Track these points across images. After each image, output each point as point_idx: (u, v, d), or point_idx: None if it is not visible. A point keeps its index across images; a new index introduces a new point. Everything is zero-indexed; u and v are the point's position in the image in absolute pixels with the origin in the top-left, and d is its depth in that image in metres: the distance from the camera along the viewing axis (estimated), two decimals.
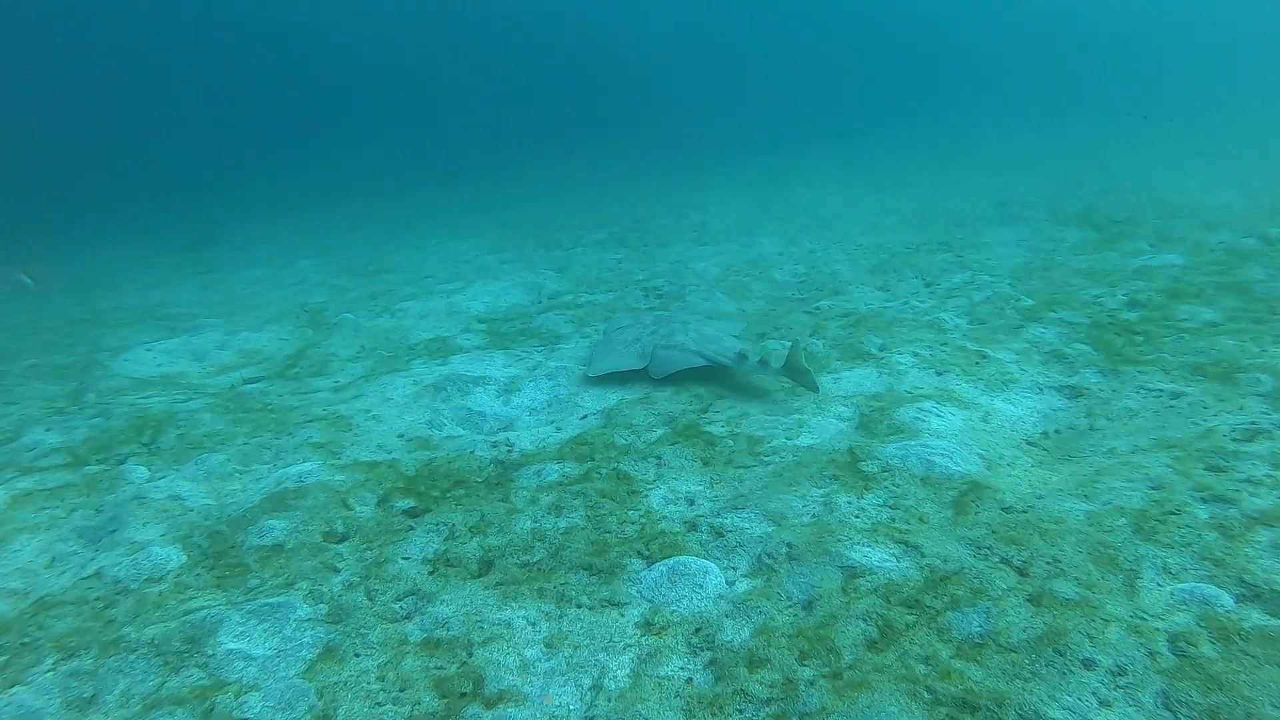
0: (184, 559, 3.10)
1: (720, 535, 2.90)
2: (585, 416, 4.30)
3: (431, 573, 2.88)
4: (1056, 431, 3.66)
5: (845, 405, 3.96)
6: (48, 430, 4.66)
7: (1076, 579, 2.43)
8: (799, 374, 4.08)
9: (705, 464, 3.53)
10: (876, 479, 3.16)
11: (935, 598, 2.41)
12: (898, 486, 3.09)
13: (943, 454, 3.25)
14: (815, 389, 4.07)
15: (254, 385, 5.37)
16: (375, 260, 10.26)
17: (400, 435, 4.21)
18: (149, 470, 3.93)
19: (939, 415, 3.64)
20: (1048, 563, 2.53)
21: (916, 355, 4.46)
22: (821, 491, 3.12)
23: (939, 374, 4.17)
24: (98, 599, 2.91)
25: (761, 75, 53.61)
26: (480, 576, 2.85)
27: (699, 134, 33.14)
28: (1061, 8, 51.96)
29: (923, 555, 2.64)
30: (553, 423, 4.30)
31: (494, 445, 3.93)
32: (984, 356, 4.37)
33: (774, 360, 4.34)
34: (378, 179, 27.67)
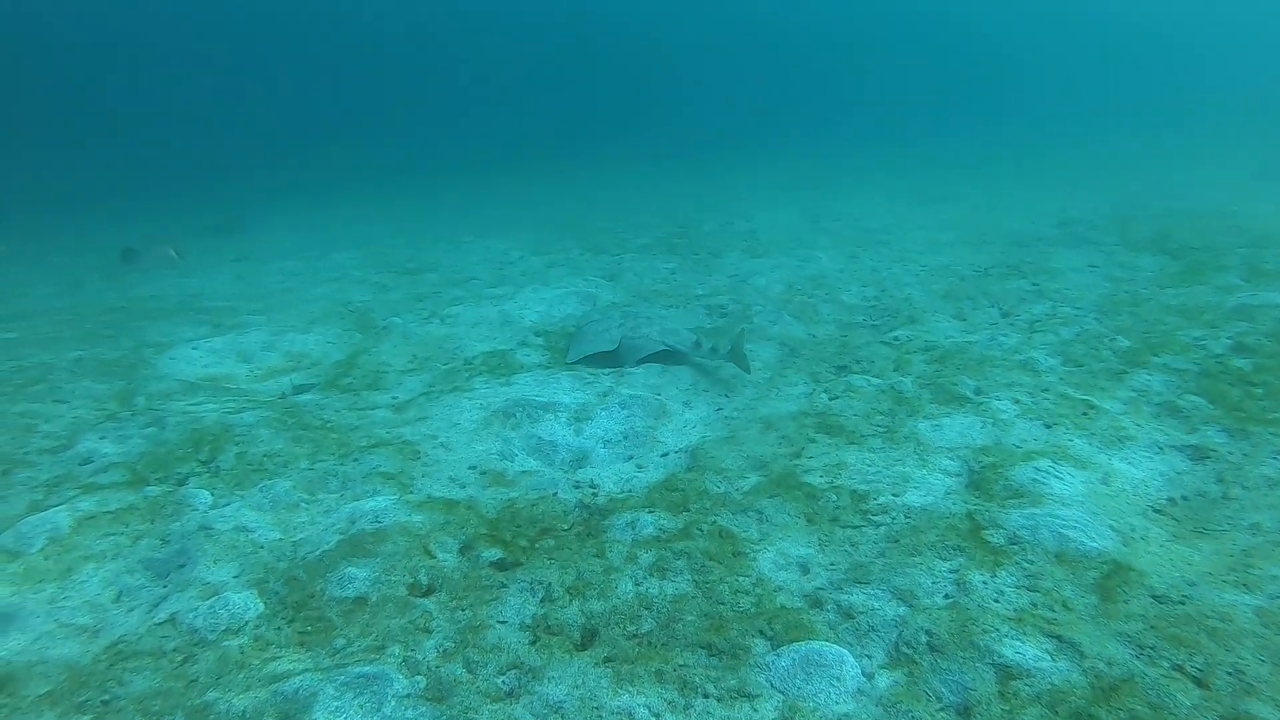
0: (261, 608, 2.89)
1: (849, 616, 2.68)
2: (667, 455, 4.08)
3: (533, 642, 2.66)
4: (1184, 498, 3.41)
5: (951, 459, 3.72)
6: (102, 438, 4.48)
7: (1273, 700, 2.19)
8: (739, 359, 4.97)
9: (810, 521, 3.30)
10: (1006, 553, 2.92)
11: (1110, 712, 2.18)
12: (1031, 563, 2.86)
13: (1074, 526, 3.01)
14: (748, 371, 4.98)
15: (306, 396, 5.17)
16: (413, 257, 10.04)
17: (472, 467, 4.00)
18: (212, 495, 3.73)
19: (1059, 477, 3.40)
20: (1229, 673, 2.29)
21: (1017, 402, 4.21)
22: (949, 565, 2.88)
23: (1048, 426, 3.93)
24: (175, 650, 2.71)
25: (796, 78, 53.03)
26: (585, 649, 2.64)
27: (729, 133, 32.82)
28: (1103, 10, 51.11)
29: (1081, 655, 2.40)
30: (632, 459, 4.08)
31: (576, 487, 3.72)
32: (1091, 407, 4.12)
33: (721, 348, 5.07)
34: (401, 168, 27.49)
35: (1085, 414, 4.04)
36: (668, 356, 5.32)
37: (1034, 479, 3.38)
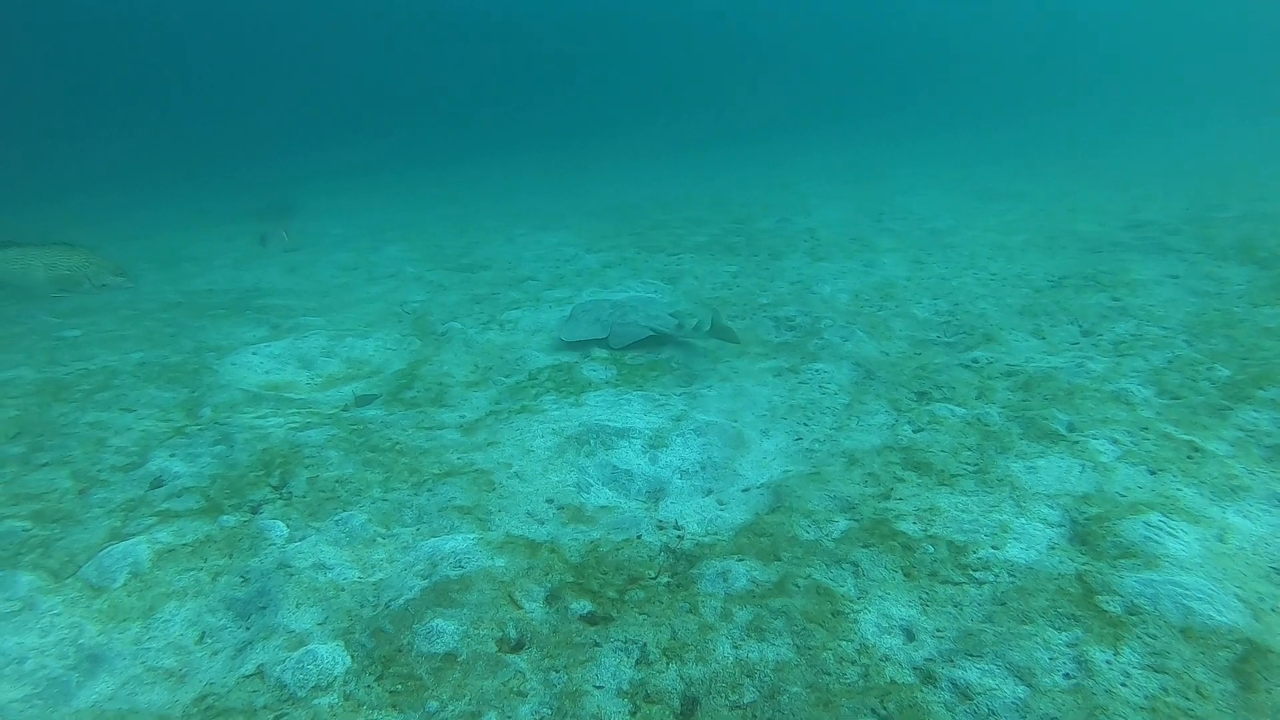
0: (349, 662, 2.83)
1: (966, 696, 2.54)
2: (748, 490, 3.96)
3: (633, 713, 2.57)
4: None
5: (1050, 507, 3.54)
6: (172, 455, 4.47)
7: None
8: (724, 333, 5.40)
9: (908, 577, 3.16)
10: (1126, 626, 2.76)
11: None
12: (1155, 639, 2.70)
13: (1198, 596, 2.84)
14: (737, 342, 5.50)
15: (371, 410, 5.11)
16: (466, 250, 9.97)
17: (549, 500, 3.91)
18: (287, 527, 3.68)
19: (1173, 535, 3.21)
20: None
21: (1115, 442, 4.01)
22: (1065, 638, 2.73)
23: (1152, 472, 3.73)
24: (266, 709, 2.65)
25: (850, 64, 52.05)
26: (687, 719, 2.54)
27: (784, 118, 32.36)
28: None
29: None
30: (711, 493, 3.96)
31: (660, 528, 3.61)
32: (1196, 449, 3.91)
33: (702, 325, 5.51)
34: (446, 149, 27.47)
35: (1190, 457, 3.84)
36: (656, 339, 5.90)
37: (1145, 536, 3.21)
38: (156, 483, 4.22)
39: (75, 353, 6.52)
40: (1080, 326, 5.85)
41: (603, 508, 3.84)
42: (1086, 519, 3.39)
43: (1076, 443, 4.04)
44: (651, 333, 5.80)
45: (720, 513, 3.76)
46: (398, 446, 4.46)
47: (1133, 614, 2.81)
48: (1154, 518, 3.32)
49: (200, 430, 4.79)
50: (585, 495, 3.96)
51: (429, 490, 3.96)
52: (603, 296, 6.89)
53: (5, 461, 4.50)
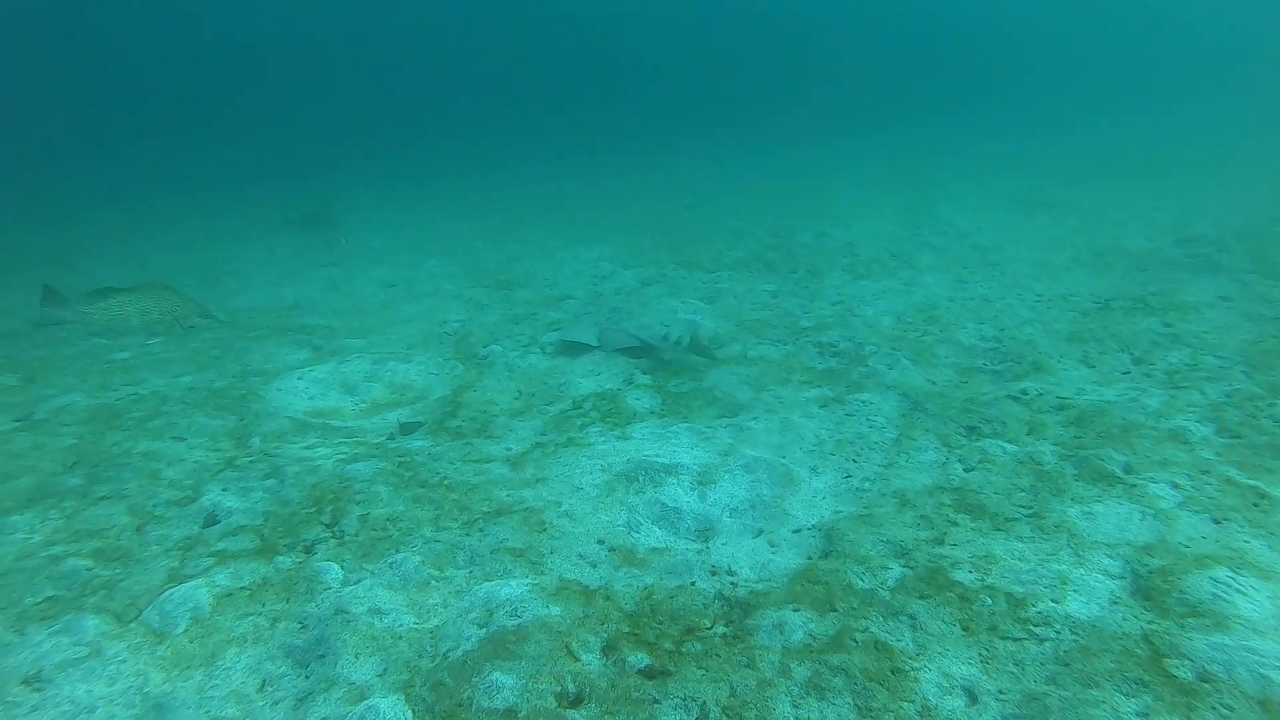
0: (411, 718, 2.84)
1: None
2: (799, 531, 3.93)
3: None
4: None
5: (1110, 557, 3.48)
6: (225, 490, 4.53)
7: None
8: (701, 350, 6.02)
9: (967, 631, 3.12)
10: (1199, 695, 2.70)
11: None
12: (1232, 710, 2.63)
13: (1275, 664, 2.77)
14: (713, 359, 6.02)
15: (416, 440, 5.14)
16: (504, 266, 10.02)
17: (600, 541, 3.90)
18: (341, 570, 3.71)
19: (1243, 593, 3.14)
20: None
21: (1176, 486, 3.93)
22: (1135, 706, 2.68)
23: (1217, 521, 3.65)
24: None
25: (884, 72, 51.59)
26: None
27: (819, 125, 32.17)
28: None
29: None
30: (762, 533, 3.94)
31: (713, 574, 3.59)
32: (1262, 496, 3.82)
33: (683, 341, 6.03)
34: (480, 156, 27.63)
35: (1257, 505, 3.75)
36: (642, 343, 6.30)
37: (1214, 593, 3.14)
38: (211, 519, 4.27)
39: (126, 376, 6.63)
40: (1131, 354, 5.74)
41: (654, 549, 3.83)
42: (1149, 572, 3.33)
43: (1134, 486, 3.96)
44: (639, 342, 6.25)
45: (772, 556, 3.74)
46: (446, 482, 4.49)
47: (1205, 681, 2.75)
48: (1221, 573, 3.25)
49: (251, 462, 4.85)
50: (636, 535, 3.96)
51: (480, 530, 3.97)
52: (600, 312, 7.44)
53: (66, 494, 4.58)
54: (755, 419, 5.05)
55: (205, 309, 5.71)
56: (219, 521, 4.24)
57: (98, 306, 5.18)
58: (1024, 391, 5.21)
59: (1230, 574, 3.25)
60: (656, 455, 4.57)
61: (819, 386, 5.54)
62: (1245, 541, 3.49)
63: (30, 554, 3.98)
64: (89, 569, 3.83)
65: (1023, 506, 3.92)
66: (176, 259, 12.79)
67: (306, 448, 5.10)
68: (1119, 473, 4.11)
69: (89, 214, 20.26)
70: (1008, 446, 4.49)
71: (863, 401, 5.21)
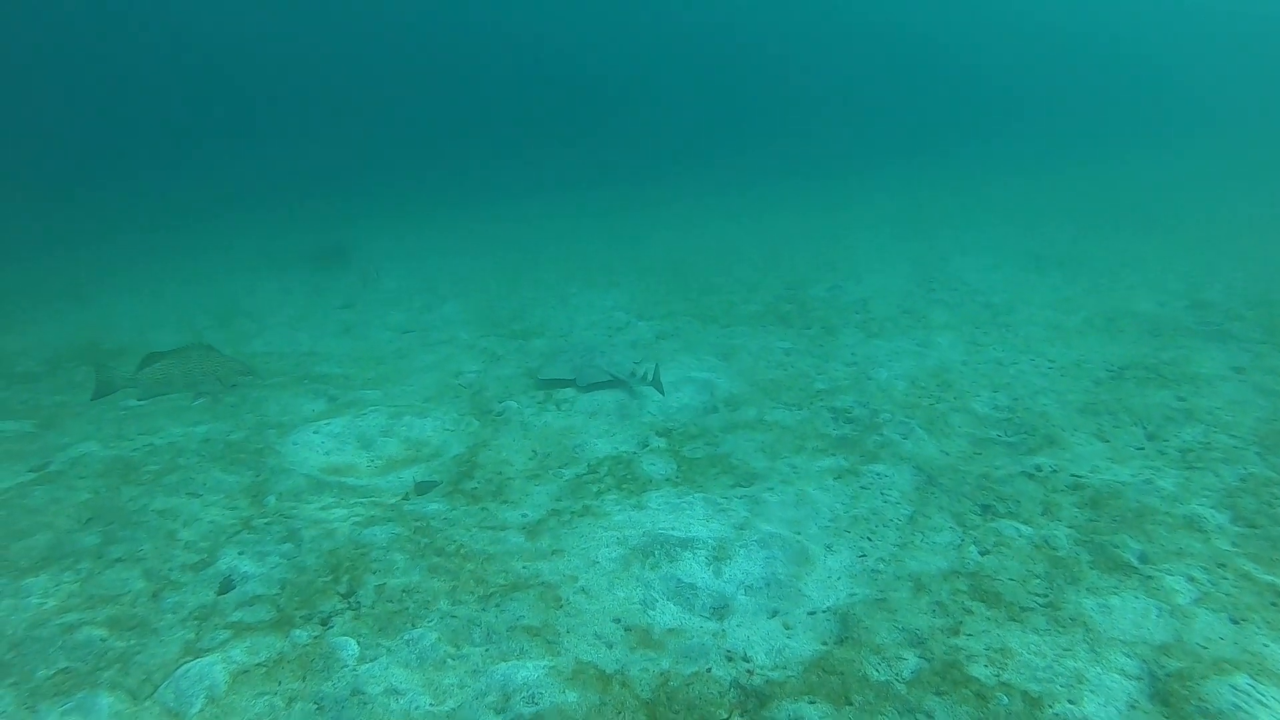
0: None
1: None
2: (814, 614, 3.92)
3: None
4: None
5: (1128, 656, 3.47)
6: (241, 553, 4.55)
7: None
8: (658, 385, 6.57)
9: None
10: None
11: None
12: None
13: None
14: (663, 393, 6.71)
15: (432, 503, 5.16)
16: (519, 313, 10.09)
17: (616, 620, 3.91)
18: (358, 645, 3.72)
19: (1264, 704, 3.12)
20: None
21: (1192, 580, 3.93)
22: None
23: (1235, 622, 3.64)
24: None
25: (896, 106, 52.09)
26: None
27: (832, 160, 32.45)
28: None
29: None
30: (777, 614, 3.93)
31: (729, 659, 3.59)
32: None
33: (646, 378, 6.68)
34: (497, 188, 27.90)
35: (1275, 605, 3.73)
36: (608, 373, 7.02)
37: (1234, 703, 3.12)
38: (226, 584, 4.29)
39: (141, 424, 6.69)
40: (1145, 429, 5.75)
41: (670, 630, 3.83)
42: (1167, 675, 3.31)
43: (1150, 578, 3.95)
44: (610, 378, 6.93)
45: (788, 641, 3.73)
46: (463, 551, 4.50)
47: None
48: (1241, 680, 3.23)
49: (267, 524, 4.88)
50: (651, 614, 3.96)
51: (497, 606, 3.98)
52: (574, 350, 7.86)
53: (81, 555, 4.61)
54: (770, 489, 5.07)
55: (246, 366, 5.80)
56: (235, 587, 4.26)
57: (145, 373, 5.30)
58: (1038, 467, 5.22)
59: (1250, 682, 3.23)
60: (672, 528, 4.58)
61: (833, 455, 5.55)
62: (1264, 645, 3.48)
63: (44, 621, 3.99)
64: (103, 639, 3.84)
65: (1038, 595, 3.92)
66: (191, 294, 12.92)
67: (323, 508, 5.12)
68: (1134, 562, 4.11)
69: (107, 237, 20.52)
70: (1023, 528, 4.49)
71: (877, 474, 5.23)
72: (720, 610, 3.99)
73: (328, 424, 6.46)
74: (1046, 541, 4.35)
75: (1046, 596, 3.89)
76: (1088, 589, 3.92)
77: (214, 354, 5.79)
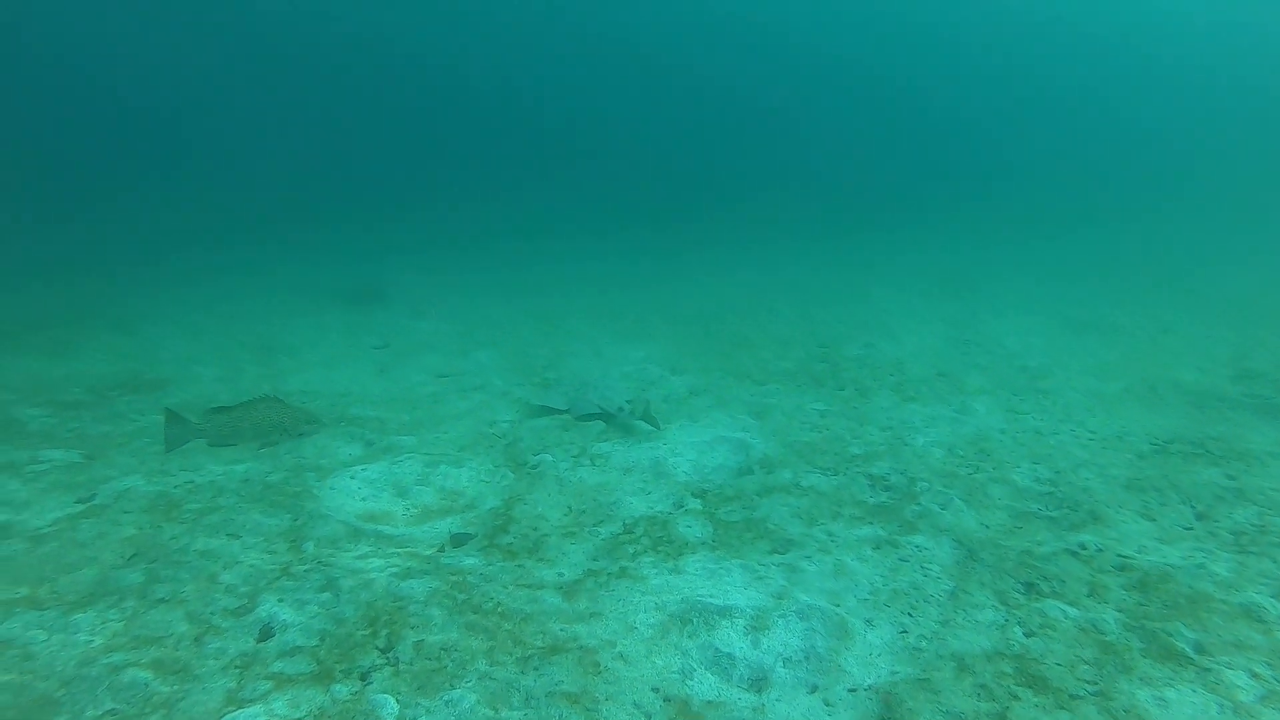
0: None
1: None
2: (855, 691, 3.86)
3: None
4: None
5: None
6: (280, 600, 4.57)
7: None
8: (650, 420, 7.14)
9: None
10: None
11: None
12: None
13: None
14: (657, 427, 7.18)
15: (469, 557, 5.17)
16: (553, 362, 10.16)
17: (655, 689, 3.87)
18: (398, 704, 3.71)
19: None
20: None
21: (1255, 676, 3.83)
22: None
23: None
24: None
25: (923, 160, 52.45)
26: None
27: (859, 210, 32.66)
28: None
29: None
30: (816, 690, 3.88)
31: None
32: None
33: (636, 411, 7.23)
34: (531, 230, 28.28)
35: None
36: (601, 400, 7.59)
37: None
38: (266, 632, 4.31)
39: (183, 460, 6.78)
40: (1193, 508, 5.65)
41: (709, 702, 3.79)
42: None
43: (1208, 671, 3.86)
44: (600, 410, 7.40)
45: (826, 716, 3.67)
46: (500, 609, 4.49)
47: None
48: None
49: (306, 571, 4.91)
50: (690, 683, 3.92)
51: (535, 669, 3.96)
52: (569, 386, 8.46)
53: (126, 593, 4.66)
54: (808, 558, 5.03)
55: (312, 415, 5.93)
56: (274, 635, 4.27)
57: (215, 424, 5.43)
58: (1083, 545, 5.14)
59: None
60: (710, 595, 4.55)
61: (871, 524, 5.51)
62: None
63: (92, 660, 4.03)
64: (148, 682, 3.86)
65: (1088, 682, 3.84)
66: (230, 328, 13.13)
67: (359, 558, 5.15)
68: (1190, 652, 4.02)
69: (150, 260, 20.98)
70: (1069, 610, 4.41)
71: (916, 546, 5.17)
72: (759, 682, 3.94)
73: (364, 469, 6.51)
74: (1094, 625, 4.27)
75: (1097, 684, 3.81)
76: (1141, 679, 3.83)
77: (281, 405, 5.92)
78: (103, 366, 10.32)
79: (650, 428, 7.12)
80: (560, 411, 7.70)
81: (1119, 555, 5.01)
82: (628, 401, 7.49)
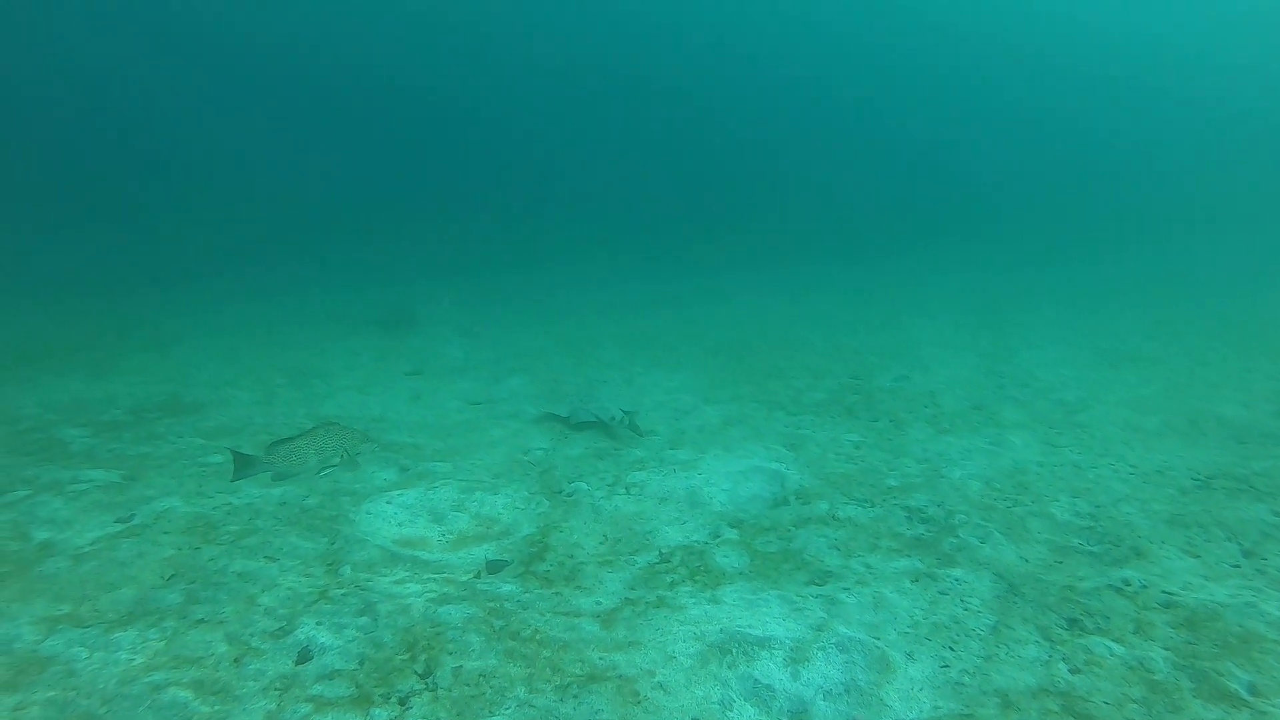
0: None
1: None
2: None
3: None
4: None
5: None
6: (319, 624, 4.59)
7: None
8: (635, 429, 8.02)
9: None
10: None
11: None
12: None
13: None
14: (641, 435, 8.04)
15: (506, 584, 5.17)
16: (584, 391, 10.18)
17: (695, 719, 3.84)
18: None
19: None
20: None
21: None
22: None
23: None
24: None
25: (953, 184, 52.48)
26: None
27: (887, 236, 32.68)
28: None
29: None
30: None
31: None
32: None
33: (626, 422, 8.06)
34: (557, 253, 28.52)
35: None
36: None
37: None
38: (304, 655, 4.32)
39: (221, 483, 6.86)
40: (1240, 546, 5.54)
41: None
42: None
43: (1265, 714, 3.77)
44: (596, 419, 8.19)
45: None
46: (538, 636, 4.48)
47: None
48: None
49: (344, 595, 4.93)
50: (730, 715, 3.89)
51: (574, 697, 3.94)
52: (573, 394, 9.52)
53: (166, 613, 4.70)
54: (846, 590, 4.98)
55: (367, 435, 6.04)
56: (313, 658, 4.29)
57: (280, 454, 5.55)
58: (1126, 581, 5.05)
59: None
60: (749, 626, 4.52)
61: (909, 556, 5.45)
62: None
63: (133, 678, 4.06)
64: (189, 702, 3.89)
65: None
66: (265, 352, 13.32)
67: (396, 582, 5.17)
68: (1244, 694, 3.92)
69: (180, 281, 21.37)
70: (1114, 647, 4.33)
71: (955, 579, 5.11)
72: (799, 715, 3.90)
73: (400, 495, 6.55)
74: (1141, 663, 4.18)
75: None
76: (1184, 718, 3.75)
77: (339, 429, 6.04)
78: (140, 388, 10.49)
79: (638, 436, 7.99)
80: (563, 419, 8.63)
81: (1164, 592, 4.91)
82: (623, 411, 8.24)
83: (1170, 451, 7.45)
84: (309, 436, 5.88)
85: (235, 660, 4.27)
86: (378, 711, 3.83)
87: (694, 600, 4.87)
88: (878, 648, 4.37)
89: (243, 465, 5.74)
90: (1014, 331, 14.31)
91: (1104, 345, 12.72)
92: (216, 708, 3.86)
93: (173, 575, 5.21)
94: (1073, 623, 4.62)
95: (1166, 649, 4.32)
